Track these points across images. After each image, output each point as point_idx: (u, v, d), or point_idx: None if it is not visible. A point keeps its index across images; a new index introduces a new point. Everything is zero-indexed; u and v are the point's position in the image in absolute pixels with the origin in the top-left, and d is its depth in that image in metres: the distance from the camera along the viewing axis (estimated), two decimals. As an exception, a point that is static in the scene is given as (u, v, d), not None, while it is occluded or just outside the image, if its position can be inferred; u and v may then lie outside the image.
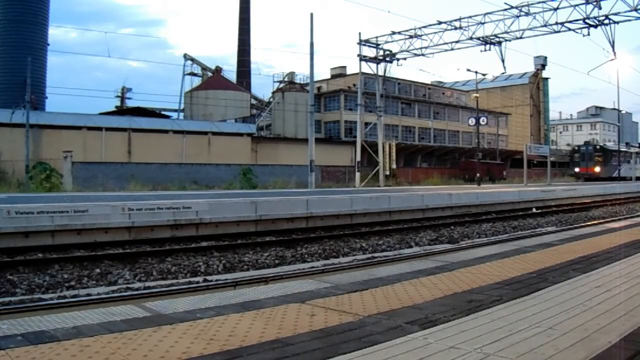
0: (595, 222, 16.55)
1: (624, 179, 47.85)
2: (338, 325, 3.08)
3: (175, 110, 60.08)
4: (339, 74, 61.51)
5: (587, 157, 51.79)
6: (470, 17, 31.61)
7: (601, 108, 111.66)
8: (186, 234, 12.19)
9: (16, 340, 2.71)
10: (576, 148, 55.85)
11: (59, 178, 24.56)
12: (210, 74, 59.74)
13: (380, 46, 36.76)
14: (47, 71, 50.09)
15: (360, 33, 36.31)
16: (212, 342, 2.75)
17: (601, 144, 58.23)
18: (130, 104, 59.80)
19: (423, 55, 35.19)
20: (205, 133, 40.34)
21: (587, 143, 56.64)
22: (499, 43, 31.77)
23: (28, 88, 31.50)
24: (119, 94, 63.45)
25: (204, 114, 48.70)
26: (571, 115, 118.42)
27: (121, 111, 49.92)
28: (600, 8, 27.65)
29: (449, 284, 4.27)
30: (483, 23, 31.28)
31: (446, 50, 33.85)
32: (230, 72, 61.34)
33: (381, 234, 14.12)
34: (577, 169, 51.82)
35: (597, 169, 49.79)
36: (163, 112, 55.37)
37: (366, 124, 41.72)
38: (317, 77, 42.23)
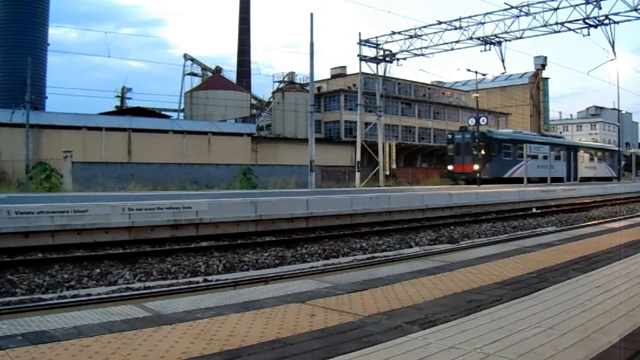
0: (595, 222, 16.55)
1: (519, 181, 32.26)
2: (338, 325, 3.08)
3: (175, 110, 60.12)
4: (339, 74, 61.52)
5: (462, 150, 35.52)
6: (470, 17, 31.61)
7: (601, 108, 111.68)
8: (186, 234, 12.19)
9: (16, 340, 2.71)
10: (450, 137, 38.90)
11: (59, 178, 24.56)
12: (210, 74, 59.76)
13: (380, 46, 36.75)
14: (47, 71, 50.12)
15: (360, 33, 36.32)
16: (212, 342, 2.75)
17: (487, 130, 39.82)
18: (130, 104, 59.81)
19: (423, 55, 35.19)
20: (205, 133, 40.35)
21: (464, 129, 38.10)
22: (499, 43, 31.77)
23: (28, 88, 31.49)
24: (119, 94, 63.48)
25: (204, 114, 48.71)
26: (571, 115, 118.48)
27: (121, 111, 49.93)
28: (600, 8, 27.65)
29: (449, 284, 4.27)
30: (483, 23, 31.28)
31: (446, 50, 33.85)
32: (230, 72, 61.40)
33: (381, 234, 14.11)
34: (450, 167, 36.34)
35: (476, 167, 33.06)
36: (163, 112, 55.39)
37: (366, 124, 41.72)
38: (317, 77, 42.23)
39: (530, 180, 32.94)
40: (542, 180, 34.29)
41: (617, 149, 54.42)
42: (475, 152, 34.49)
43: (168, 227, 11.98)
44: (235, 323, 3.12)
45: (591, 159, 45.54)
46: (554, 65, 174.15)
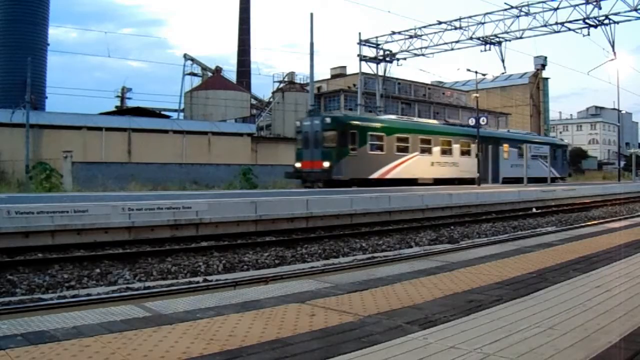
0: (595, 222, 16.55)
1: (393, 183, 24.73)
2: (338, 325, 3.08)
3: (175, 110, 60.13)
4: (339, 74, 61.56)
5: (311, 142, 25.02)
6: (470, 17, 31.70)
7: (601, 108, 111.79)
8: (186, 234, 12.18)
9: (16, 340, 2.71)
10: (297, 125, 27.36)
11: (59, 178, 24.55)
12: (210, 74, 59.78)
13: (380, 46, 36.80)
14: (47, 71, 50.15)
15: (360, 33, 36.41)
16: (212, 342, 2.75)
17: (344, 114, 30.59)
18: (130, 104, 59.84)
19: (423, 55, 35.29)
20: (205, 133, 40.36)
21: (313, 114, 27.62)
22: (499, 43, 31.85)
23: (28, 88, 31.52)
24: (119, 94, 63.53)
25: (204, 114, 48.73)
26: (571, 115, 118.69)
27: (121, 111, 49.93)
28: (600, 8, 27.74)
29: (449, 284, 4.27)
30: (483, 23, 31.36)
31: (446, 50, 33.98)
32: (230, 72, 61.45)
33: (381, 234, 14.11)
34: (298, 164, 25.55)
35: (326, 164, 23.62)
36: (163, 112, 55.38)
37: (366, 124, 41.52)
38: (317, 77, 42.24)
39: (417, 183, 25.92)
40: (440, 182, 27.10)
41: (563, 142, 42.81)
42: (326, 145, 24.15)
43: (168, 227, 11.97)
44: (235, 323, 3.12)
45: (521, 155, 33.73)
46: (554, 65, 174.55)
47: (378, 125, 26.86)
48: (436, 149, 28.67)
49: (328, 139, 24.46)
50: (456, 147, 29.94)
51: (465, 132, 31.84)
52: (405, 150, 26.90)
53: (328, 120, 25.40)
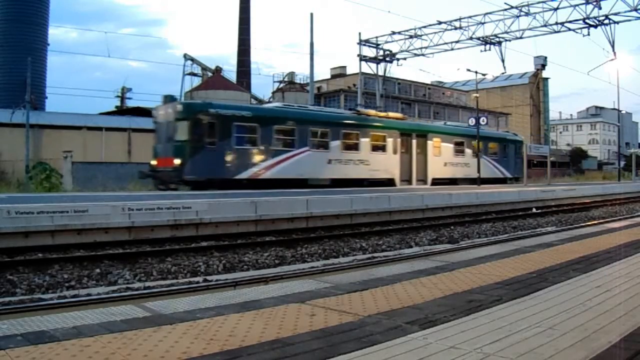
0: (595, 222, 16.55)
1: (281, 184, 20.50)
2: (338, 325, 3.08)
3: (176, 110, 59.92)
4: (339, 74, 61.56)
5: (164, 134, 20.83)
6: (470, 17, 31.69)
7: (601, 108, 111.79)
8: (186, 234, 12.18)
9: (16, 340, 2.71)
10: (154, 113, 22.62)
11: (59, 178, 24.58)
12: (210, 74, 59.71)
13: (380, 46, 36.81)
14: (47, 71, 50.18)
15: (360, 33, 36.40)
16: (212, 342, 2.75)
17: (203, 101, 24.75)
18: (130, 104, 59.74)
19: (423, 55, 35.28)
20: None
21: (169, 100, 22.42)
22: (499, 43, 31.85)
23: (28, 88, 31.52)
24: (119, 94, 63.42)
25: (204, 114, 48.57)
26: (571, 115, 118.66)
27: (121, 111, 49.90)
28: (600, 8, 27.74)
29: (449, 284, 4.27)
30: (483, 23, 31.35)
31: (446, 50, 33.96)
32: (230, 72, 61.32)
33: (381, 234, 14.12)
34: (153, 162, 21.04)
35: (177, 161, 19.38)
36: (163, 112, 55.22)
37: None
38: (317, 77, 42.25)
39: (308, 185, 21.61)
40: (342, 184, 22.55)
41: (516, 138, 36.42)
42: (178, 138, 19.84)
43: (168, 227, 11.97)
44: (235, 323, 3.12)
45: (459, 152, 29.57)
46: (554, 65, 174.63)
47: (248, 114, 21.43)
48: (335, 144, 23.50)
49: (181, 131, 19.85)
50: (365, 142, 24.60)
51: (379, 123, 26.30)
52: (290, 144, 22.13)
53: (180, 107, 20.80)
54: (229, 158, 20.35)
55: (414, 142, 27.02)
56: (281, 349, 2.65)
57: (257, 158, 21.18)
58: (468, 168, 29.86)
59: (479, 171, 29.91)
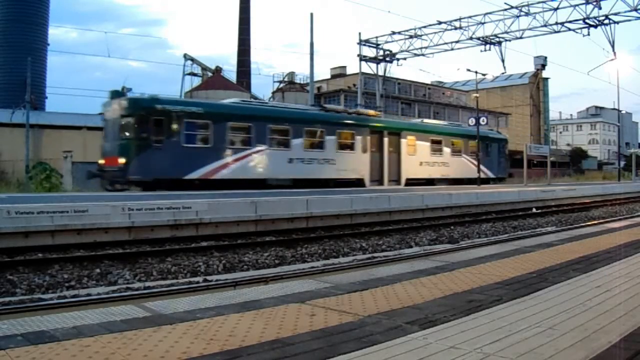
0: (595, 222, 16.55)
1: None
2: (338, 325, 3.08)
3: (175, 110, 59.92)
4: (339, 74, 61.56)
5: (110, 132, 19.92)
6: (470, 17, 31.71)
7: (601, 108, 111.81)
8: (186, 234, 12.19)
9: (16, 340, 2.71)
10: (102, 109, 21.70)
11: (59, 178, 24.57)
12: (210, 74, 59.71)
13: (380, 46, 36.83)
14: (47, 71, 50.22)
15: (360, 33, 36.41)
16: (212, 342, 2.75)
17: (150, 95, 20.52)
18: (130, 104, 59.66)
19: (423, 55, 35.30)
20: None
21: (116, 94, 20.84)
22: (499, 43, 31.86)
23: (28, 88, 31.55)
24: (119, 94, 63.33)
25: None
26: (571, 115, 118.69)
27: (121, 111, 49.83)
28: (600, 8, 27.76)
29: (449, 284, 4.27)
30: (483, 23, 31.37)
31: (446, 50, 33.98)
32: (230, 72, 61.32)
33: (381, 234, 14.12)
34: (101, 161, 20.01)
35: (122, 160, 18.40)
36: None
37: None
38: (317, 77, 42.25)
39: (267, 185, 20.49)
40: (305, 184, 21.52)
41: (500, 136, 34.55)
42: (124, 136, 19.02)
43: (168, 227, 11.97)
44: (235, 323, 3.12)
45: (436, 151, 28.17)
46: (554, 65, 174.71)
47: (199, 110, 20.14)
48: (297, 142, 22.29)
49: (126, 128, 18.94)
50: (331, 139, 23.35)
51: (347, 120, 24.99)
52: (246, 143, 21.02)
53: (124, 103, 19.48)
54: (178, 157, 19.03)
55: (386, 140, 25.65)
56: (281, 349, 2.65)
57: (210, 157, 19.87)
58: (446, 168, 28.58)
59: (479, 171, 29.81)
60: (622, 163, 60.26)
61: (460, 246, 12.06)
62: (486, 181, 30.56)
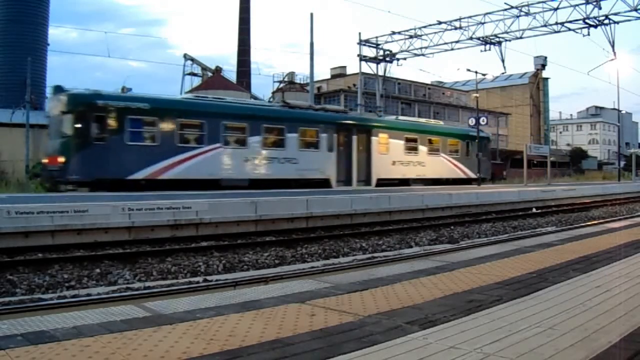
0: (595, 222, 16.56)
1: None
2: (338, 325, 3.08)
3: (175, 110, 59.88)
4: (339, 74, 61.59)
5: (52, 129, 19.49)
6: (470, 17, 31.68)
7: (601, 108, 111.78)
8: (186, 234, 12.19)
9: (16, 340, 2.71)
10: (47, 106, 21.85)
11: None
12: (210, 74, 59.72)
13: (380, 46, 36.80)
14: (47, 71, 50.11)
15: (360, 33, 36.38)
16: (212, 342, 2.75)
17: (90, 91, 18.91)
18: (130, 104, 59.67)
19: (423, 55, 35.27)
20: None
21: (58, 89, 19.22)
22: (499, 43, 31.83)
23: (28, 88, 31.55)
24: (119, 94, 63.34)
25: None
26: (571, 115, 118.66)
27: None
28: (600, 8, 27.73)
29: (449, 284, 4.27)
30: (483, 23, 31.34)
31: (446, 50, 33.94)
32: (230, 72, 61.28)
33: (381, 234, 14.12)
34: (44, 160, 19.93)
35: (62, 160, 17.53)
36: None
37: (365, 124, 41.32)
38: (317, 77, 42.23)
39: (221, 186, 19.27)
40: (264, 184, 20.12)
41: (482, 134, 32.29)
42: (64, 133, 17.97)
43: (168, 227, 11.98)
44: (235, 323, 3.12)
45: (411, 150, 26.65)
46: (554, 65, 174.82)
47: (145, 106, 18.77)
48: (254, 139, 21.06)
49: (65, 126, 17.84)
50: (292, 137, 22.14)
51: (311, 117, 23.70)
52: (198, 140, 19.96)
53: (64, 98, 18.34)
54: (121, 156, 17.95)
55: (355, 138, 24.21)
56: (281, 349, 2.65)
57: (157, 156, 18.74)
58: (423, 167, 27.06)
59: (479, 171, 29.79)
60: (622, 163, 60.27)
61: (460, 246, 12.06)
62: (467, 182, 29.28)
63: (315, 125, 23.23)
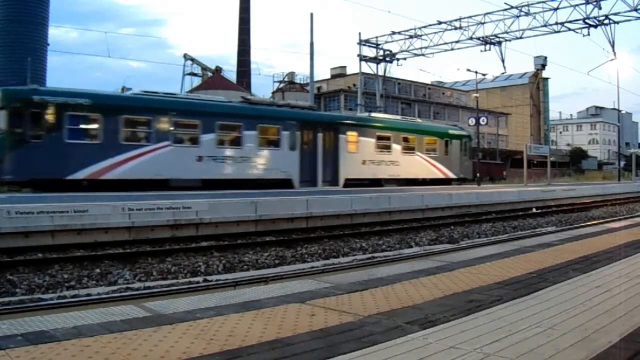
0: (595, 222, 16.55)
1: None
2: (338, 325, 3.08)
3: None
4: (339, 74, 61.63)
5: None
6: (470, 17, 31.72)
7: (601, 108, 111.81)
8: (186, 234, 12.19)
9: (16, 340, 2.71)
10: None
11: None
12: (210, 74, 59.76)
13: (380, 46, 36.83)
14: (47, 71, 50.23)
15: (360, 33, 36.43)
16: (212, 342, 2.75)
17: (30, 87, 20.08)
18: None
19: (423, 55, 35.31)
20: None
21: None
22: (499, 43, 31.86)
23: (28, 88, 31.47)
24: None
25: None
26: (571, 115, 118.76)
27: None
28: (600, 8, 27.77)
29: (449, 284, 4.27)
30: (483, 23, 31.38)
31: (446, 50, 33.99)
32: (230, 72, 61.38)
33: (381, 234, 14.11)
34: None
35: None
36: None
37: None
38: (317, 77, 42.23)
39: (171, 187, 18.08)
40: (217, 185, 19.23)
41: (462, 132, 30.92)
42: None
43: (168, 227, 11.98)
44: (235, 323, 3.12)
45: (384, 148, 25.47)
46: (554, 65, 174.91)
47: (86, 102, 17.70)
48: (207, 137, 19.95)
49: (0, 122, 17.06)
50: (250, 135, 21.04)
51: (271, 113, 22.66)
52: (145, 138, 18.96)
53: None
54: (59, 155, 16.96)
55: (320, 135, 22.98)
56: (281, 349, 2.65)
57: (99, 155, 17.77)
58: (396, 167, 25.71)
59: (479, 171, 29.73)
60: (622, 163, 60.28)
61: (460, 246, 12.06)
62: (446, 182, 28.14)
63: (276, 123, 22.09)
